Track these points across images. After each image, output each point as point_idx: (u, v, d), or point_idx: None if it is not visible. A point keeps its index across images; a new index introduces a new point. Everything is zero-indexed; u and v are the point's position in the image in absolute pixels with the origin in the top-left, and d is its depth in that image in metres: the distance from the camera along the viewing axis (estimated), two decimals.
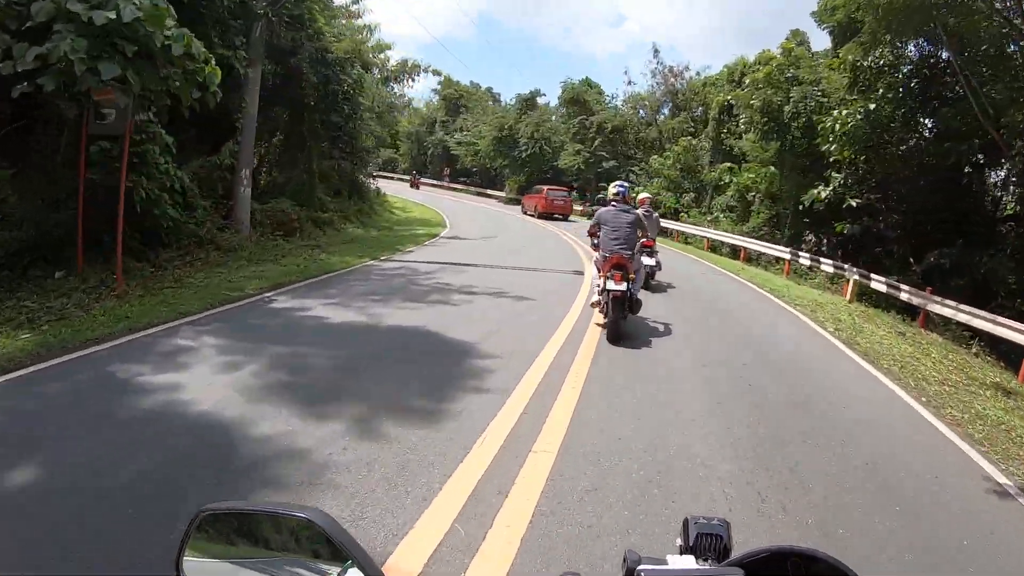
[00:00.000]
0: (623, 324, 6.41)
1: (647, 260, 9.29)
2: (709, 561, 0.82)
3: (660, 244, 11.82)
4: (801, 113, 16.39)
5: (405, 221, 20.78)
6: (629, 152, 32.80)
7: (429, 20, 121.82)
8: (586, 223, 8.30)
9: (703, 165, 25.00)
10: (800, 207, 17.03)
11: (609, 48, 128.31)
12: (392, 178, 42.32)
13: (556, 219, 26.20)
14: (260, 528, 0.86)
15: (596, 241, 7.02)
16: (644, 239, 7.92)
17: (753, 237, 18.74)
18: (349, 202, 18.41)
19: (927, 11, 11.51)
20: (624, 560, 0.77)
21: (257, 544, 0.84)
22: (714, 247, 20.33)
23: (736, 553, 0.82)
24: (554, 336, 6.37)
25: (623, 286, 6.20)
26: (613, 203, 6.96)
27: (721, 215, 22.18)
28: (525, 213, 28.20)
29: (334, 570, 0.77)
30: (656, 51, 55.66)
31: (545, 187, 28.07)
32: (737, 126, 21.48)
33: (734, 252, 18.90)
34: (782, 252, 16.58)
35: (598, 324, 6.87)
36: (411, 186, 39.68)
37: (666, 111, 33.56)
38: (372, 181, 22.32)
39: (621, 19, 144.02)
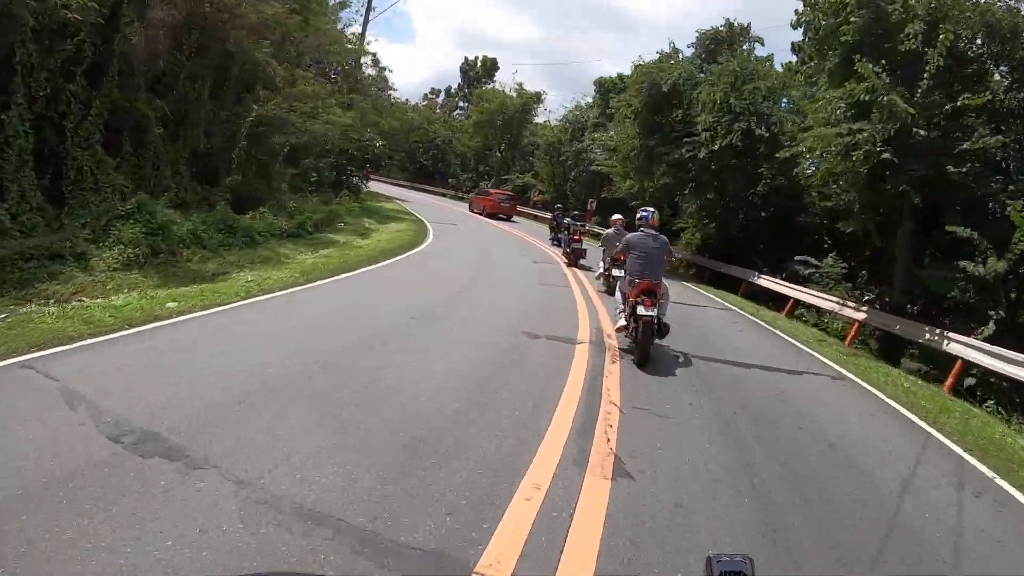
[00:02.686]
0: (652, 349, 6.49)
1: (617, 271, 9.91)
2: None
3: None
4: None
5: None
6: None
7: None
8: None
9: None
10: None
11: None
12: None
13: (500, 219, 30.33)
14: None
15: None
16: (617, 254, 8.78)
17: None
18: None
19: None
20: None
21: None
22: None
23: None
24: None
25: (653, 311, 6.30)
26: (641, 228, 7.03)
27: None
28: (471, 210, 32.68)
29: None
30: None
31: (493, 190, 33.75)
32: None
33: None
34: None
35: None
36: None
37: None
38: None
39: None
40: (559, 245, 19.77)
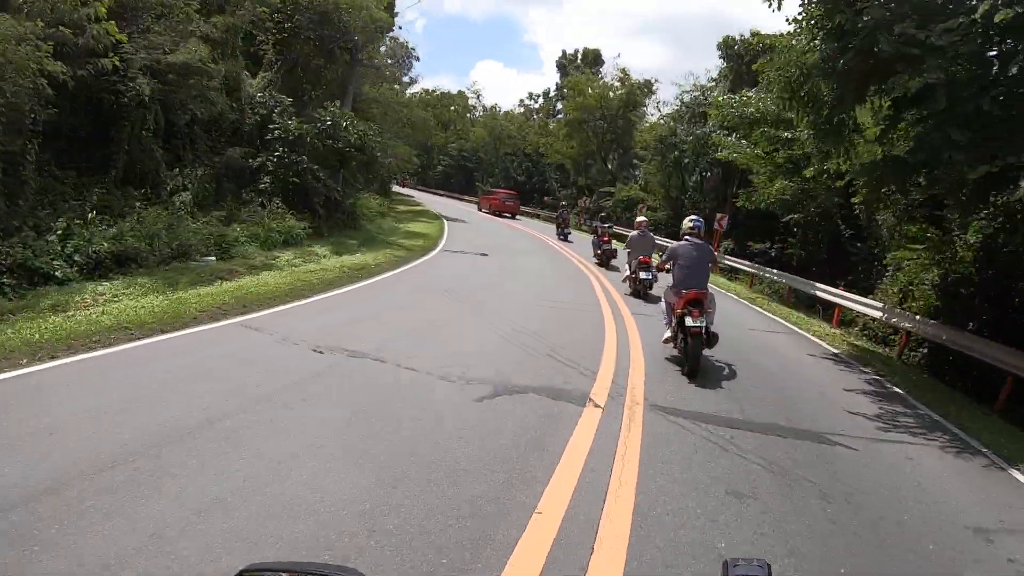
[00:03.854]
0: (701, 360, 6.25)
1: (643, 275, 10.68)
2: None
3: None
4: None
5: None
6: None
7: None
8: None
9: None
10: None
11: None
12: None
13: (505, 217, 32.83)
14: None
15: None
16: (642, 256, 10.81)
17: None
18: None
19: None
20: None
21: None
22: None
23: None
24: None
25: (702, 322, 6.12)
26: (687, 237, 6.82)
27: None
28: (480, 210, 35.50)
29: None
30: None
31: (499, 190, 38.02)
32: None
33: None
34: None
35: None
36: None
37: None
38: None
39: None
40: (564, 240, 21.63)
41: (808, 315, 12.78)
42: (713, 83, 24.92)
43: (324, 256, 12.51)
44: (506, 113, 51.69)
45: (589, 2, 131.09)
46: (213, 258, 10.75)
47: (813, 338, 9.89)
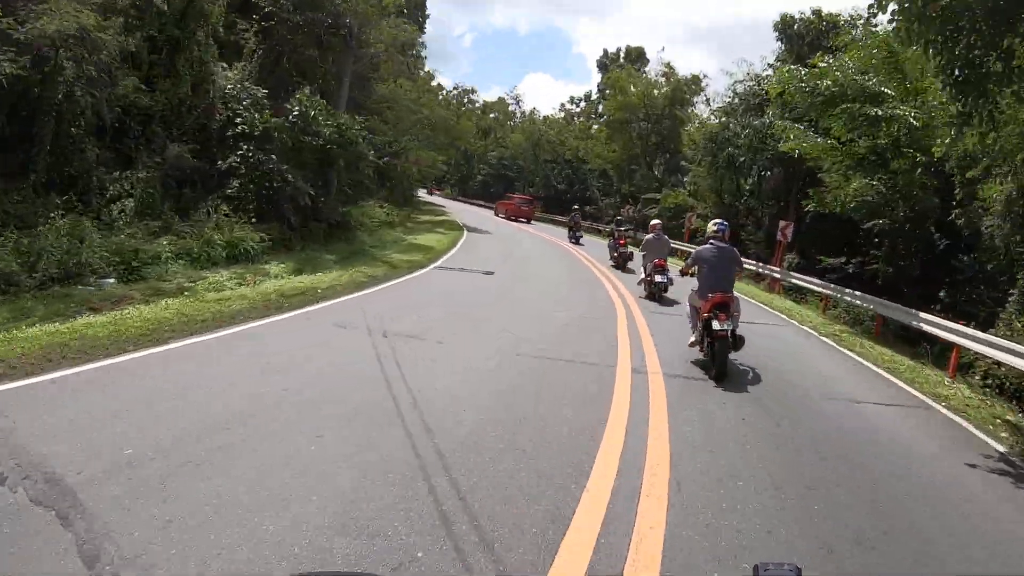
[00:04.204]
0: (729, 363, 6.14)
1: (659, 278, 10.51)
2: None
3: None
4: None
5: None
6: None
7: None
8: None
9: None
10: None
11: None
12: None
13: (521, 221, 33.54)
14: None
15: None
16: (657, 259, 10.68)
17: None
18: None
19: None
20: None
21: None
22: None
23: None
24: None
25: (728, 325, 6.02)
26: (711, 241, 6.69)
27: None
28: (496, 215, 35.93)
29: None
30: None
31: (514, 195, 37.91)
32: None
33: None
34: None
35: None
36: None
37: None
38: None
39: None
40: (576, 243, 23.25)
41: (915, 360, 9.23)
42: (769, 68, 21.33)
43: (275, 276, 10.03)
44: (545, 118, 48.90)
45: (637, 12, 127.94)
46: (112, 280, 8.41)
47: (945, 411, 6.43)
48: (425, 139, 25.63)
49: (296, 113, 12.35)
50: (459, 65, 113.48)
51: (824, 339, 9.82)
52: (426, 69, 25.60)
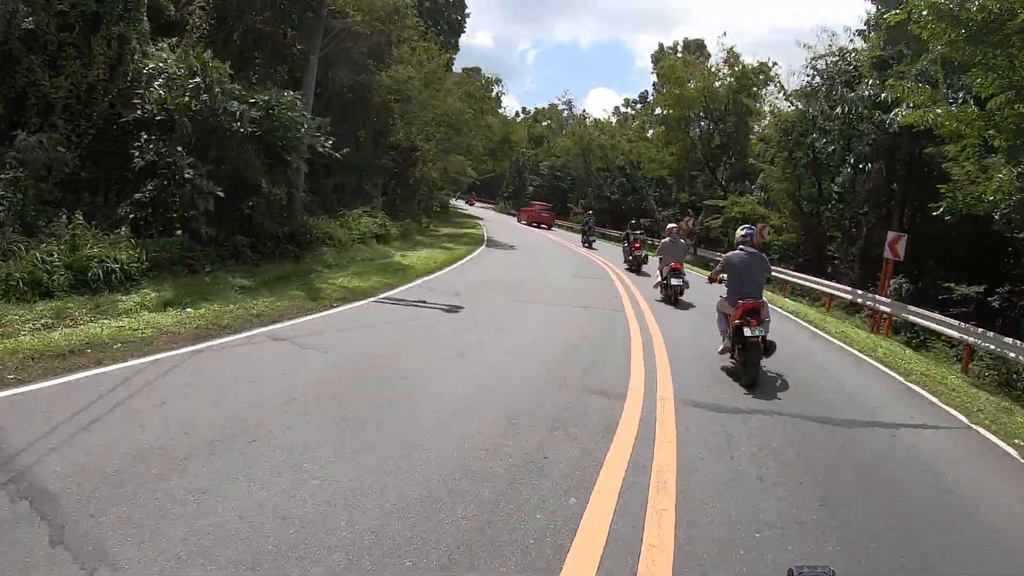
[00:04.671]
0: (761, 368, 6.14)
1: (674, 281, 10.53)
2: None
3: None
4: None
5: None
6: None
7: None
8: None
9: None
10: None
11: None
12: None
13: (542, 228, 35.40)
14: None
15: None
16: (673, 262, 10.78)
17: None
18: None
19: None
20: None
21: None
22: None
23: None
24: None
25: (760, 331, 6.02)
26: (740, 246, 6.72)
27: None
28: (519, 222, 38.41)
29: None
30: None
31: (535, 202, 40.39)
32: None
33: None
34: None
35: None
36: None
37: None
38: None
39: None
40: (589, 247, 23.81)
41: None
42: (858, 36, 16.58)
43: (123, 313, 6.83)
44: (596, 121, 44.82)
45: (698, 25, 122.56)
46: None
47: None
48: (441, 137, 22.28)
49: (192, 86, 9.23)
50: (522, 82, 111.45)
51: (996, 441, 5.52)
52: (438, 54, 22.12)
